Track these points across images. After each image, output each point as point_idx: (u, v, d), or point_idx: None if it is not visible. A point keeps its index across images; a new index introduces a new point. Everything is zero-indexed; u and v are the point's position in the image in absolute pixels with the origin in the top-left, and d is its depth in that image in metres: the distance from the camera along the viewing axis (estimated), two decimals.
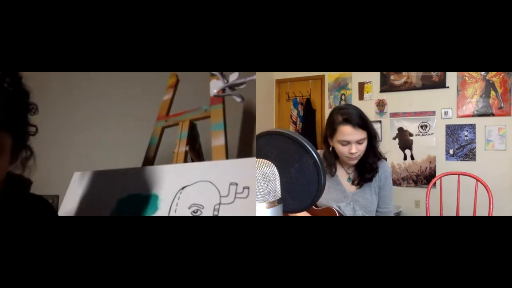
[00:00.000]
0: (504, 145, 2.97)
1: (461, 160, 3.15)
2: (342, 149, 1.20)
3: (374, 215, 1.30)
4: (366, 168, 1.25)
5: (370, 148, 1.23)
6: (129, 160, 1.34)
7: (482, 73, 3.06)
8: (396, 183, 3.40)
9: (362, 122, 1.17)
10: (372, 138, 1.22)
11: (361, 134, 1.17)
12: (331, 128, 1.20)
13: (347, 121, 1.16)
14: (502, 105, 2.99)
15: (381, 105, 3.53)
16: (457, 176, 2.14)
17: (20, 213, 0.80)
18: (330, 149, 1.26)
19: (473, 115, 3.10)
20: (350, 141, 1.17)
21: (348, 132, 1.16)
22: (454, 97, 3.17)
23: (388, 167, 1.31)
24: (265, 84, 4.17)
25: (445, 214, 2.16)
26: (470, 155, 3.11)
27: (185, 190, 0.96)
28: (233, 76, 1.22)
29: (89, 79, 1.99)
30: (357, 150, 1.18)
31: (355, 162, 1.24)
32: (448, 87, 3.18)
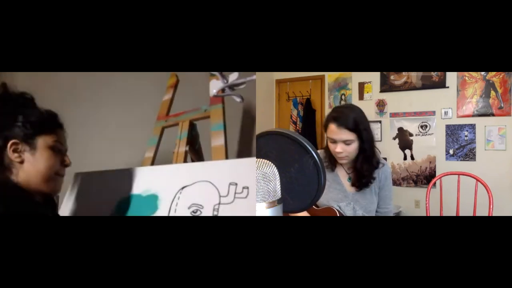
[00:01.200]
0: (504, 145, 2.97)
1: (461, 160, 3.15)
2: (330, 146, 1.22)
3: (374, 215, 1.30)
4: (360, 173, 1.25)
5: (361, 152, 1.21)
6: (129, 160, 1.33)
7: (482, 73, 3.06)
8: (396, 183, 3.40)
9: (351, 123, 1.15)
10: (363, 142, 1.19)
11: (347, 135, 1.16)
12: (324, 124, 1.23)
13: (334, 119, 1.17)
14: (502, 105, 2.98)
15: (381, 105, 3.53)
16: (457, 176, 2.14)
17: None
18: None
19: (473, 115, 3.10)
20: (336, 140, 1.18)
21: (332, 130, 1.17)
22: (454, 97, 3.17)
23: (388, 168, 1.31)
24: (265, 84, 4.17)
25: (445, 214, 2.16)
26: (470, 155, 3.11)
27: (185, 190, 0.96)
28: (233, 76, 1.22)
29: (89, 79, 1.99)
30: (342, 150, 1.18)
31: (344, 161, 1.24)
32: (448, 87, 3.18)
